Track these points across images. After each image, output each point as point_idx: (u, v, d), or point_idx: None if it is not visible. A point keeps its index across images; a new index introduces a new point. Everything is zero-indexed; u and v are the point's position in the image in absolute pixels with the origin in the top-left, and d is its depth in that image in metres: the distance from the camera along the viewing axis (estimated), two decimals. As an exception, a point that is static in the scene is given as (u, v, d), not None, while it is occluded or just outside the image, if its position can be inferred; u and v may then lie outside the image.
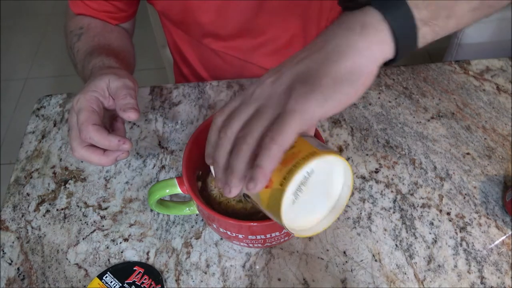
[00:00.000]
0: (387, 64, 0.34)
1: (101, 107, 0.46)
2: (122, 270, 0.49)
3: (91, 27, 0.64)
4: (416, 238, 0.51)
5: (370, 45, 0.32)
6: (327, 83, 0.31)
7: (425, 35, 0.33)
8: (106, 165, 0.47)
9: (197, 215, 0.53)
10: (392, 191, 0.55)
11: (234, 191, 0.32)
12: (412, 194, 0.54)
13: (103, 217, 0.55)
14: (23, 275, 0.50)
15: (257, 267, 0.49)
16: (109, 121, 0.50)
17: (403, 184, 0.55)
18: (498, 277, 0.47)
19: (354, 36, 0.32)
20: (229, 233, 0.43)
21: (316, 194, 0.34)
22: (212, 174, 0.50)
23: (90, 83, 0.47)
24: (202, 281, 0.48)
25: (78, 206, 0.56)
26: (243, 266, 0.49)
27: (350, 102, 0.32)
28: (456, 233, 0.51)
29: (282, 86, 0.32)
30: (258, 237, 0.43)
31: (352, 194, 0.55)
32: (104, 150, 0.45)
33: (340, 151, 0.59)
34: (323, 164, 0.32)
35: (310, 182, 0.32)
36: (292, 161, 0.31)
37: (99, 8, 0.65)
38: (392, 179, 0.56)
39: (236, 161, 0.32)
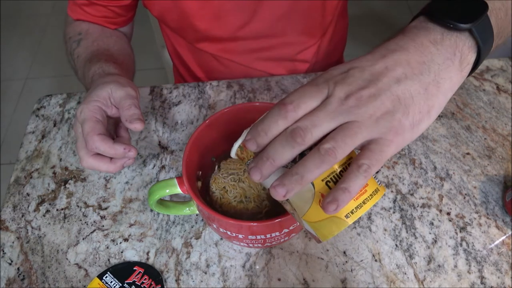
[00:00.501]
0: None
1: (104, 116, 0.47)
2: (122, 270, 0.49)
3: (89, 33, 0.64)
4: (416, 238, 0.51)
5: (462, 79, 0.32)
6: (424, 117, 0.31)
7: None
8: (114, 172, 0.48)
9: (197, 215, 0.53)
10: (392, 191, 0.55)
11: (289, 196, 0.30)
12: (412, 194, 0.54)
13: (103, 217, 0.55)
14: (23, 275, 0.50)
15: (257, 267, 0.49)
16: (113, 127, 0.51)
17: (403, 184, 0.55)
18: (498, 277, 0.47)
19: (455, 72, 0.31)
20: (229, 233, 0.43)
21: None
22: (216, 172, 0.50)
23: (92, 93, 0.47)
24: (202, 281, 0.48)
25: (78, 206, 0.56)
26: (243, 266, 0.49)
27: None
28: (456, 233, 0.51)
29: (382, 110, 0.30)
30: (258, 237, 0.43)
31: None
32: (111, 158, 0.46)
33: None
34: None
35: None
36: (362, 196, 0.32)
37: (97, 13, 0.65)
38: (392, 179, 0.56)
39: (310, 172, 0.30)
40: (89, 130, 0.44)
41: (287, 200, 0.34)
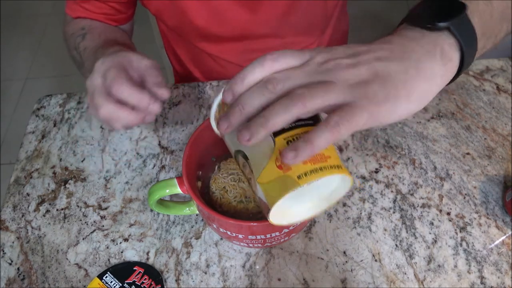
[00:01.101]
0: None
1: (126, 71, 0.44)
2: (122, 270, 0.49)
3: (93, 27, 0.64)
4: (416, 238, 0.51)
5: (446, 74, 0.33)
6: (402, 97, 0.31)
7: (480, 50, 0.35)
8: (132, 124, 0.44)
9: (197, 215, 0.53)
10: (392, 191, 0.55)
11: (253, 140, 0.30)
12: (412, 194, 0.54)
13: (103, 217, 0.55)
14: (23, 275, 0.50)
15: (257, 267, 0.49)
16: None
17: (403, 184, 0.55)
18: (498, 277, 0.47)
19: (436, 63, 0.32)
20: (229, 233, 0.43)
21: (309, 195, 0.35)
22: (216, 172, 0.50)
23: (114, 53, 0.45)
24: (202, 281, 0.48)
25: (78, 206, 0.56)
26: (243, 266, 0.49)
27: (402, 119, 0.32)
28: (456, 233, 0.51)
29: (359, 77, 0.31)
30: (258, 237, 0.43)
31: (352, 194, 0.55)
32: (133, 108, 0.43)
33: (340, 151, 0.59)
34: (336, 178, 0.33)
35: (313, 185, 0.32)
36: (320, 163, 0.31)
37: (97, 10, 0.65)
38: (392, 179, 0.56)
39: (277, 116, 0.29)
40: (115, 75, 0.42)
41: (247, 160, 0.34)
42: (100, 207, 0.55)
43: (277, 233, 0.42)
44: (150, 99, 0.42)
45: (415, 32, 0.33)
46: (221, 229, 0.43)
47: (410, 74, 0.31)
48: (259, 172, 0.32)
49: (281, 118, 0.29)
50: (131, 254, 0.51)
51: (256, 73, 0.32)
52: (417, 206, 0.53)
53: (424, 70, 0.32)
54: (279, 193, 0.31)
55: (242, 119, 0.31)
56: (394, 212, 0.53)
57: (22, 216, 0.55)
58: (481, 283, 0.47)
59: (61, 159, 0.61)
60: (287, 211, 0.35)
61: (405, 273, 0.48)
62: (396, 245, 0.50)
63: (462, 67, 0.34)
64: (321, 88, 0.30)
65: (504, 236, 0.50)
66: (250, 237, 0.43)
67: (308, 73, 0.31)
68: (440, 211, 0.53)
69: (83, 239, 0.53)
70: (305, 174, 0.30)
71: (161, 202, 0.49)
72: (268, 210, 0.32)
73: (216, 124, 0.34)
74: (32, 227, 0.54)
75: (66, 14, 0.68)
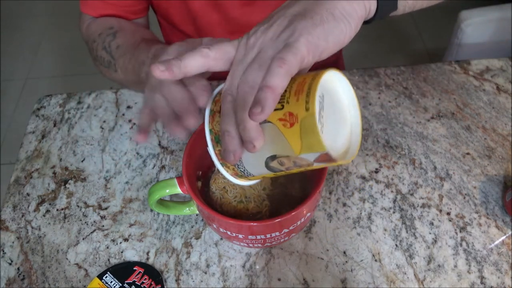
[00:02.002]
0: (366, 22, 0.36)
1: None
2: (122, 270, 0.49)
3: (122, 27, 0.62)
4: (416, 238, 0.51)
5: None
6: (327, 17, 0.32)
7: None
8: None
9: (197, 215, 0.54)
10: (392, 191, 0.55)
11: (258, 143, 0.31)
12: (412, 194, 0.54)
13: (103, 217, 0.55)
14: (23, 275, 0.50)
15: (257, 267, 0.49)
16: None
17: (403, 184, 0.55)
18: (498, 277, 0.47)
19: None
20: (229, 233, 0.43)
21: (333, 120, 0.33)
22: (216, 172, 0.50)
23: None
24: (202, 281, 0.48)
25: (78, 206, 0.56)
26: (243, 266, 0.49)
27: (345, 43, 0.33)
28: (456, 233, 0.51)
29: (281, 27, 0.32)
30: (258, 237, 0.43)
31: (352, 194, 0.55)
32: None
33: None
34: (329, 85, 0.33)
35: (325, 106, 0.32)
36: (304, 88, 0.30)
37: (117, 2, 0.63)
38: (392, 179, 0.56)
39: (245, 113, 0.30)
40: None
41: (277, 157, 0.33)
42: (100, 207, 0.55)
43: (277, 233, 0.42)
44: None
45: None
46: (221, 229, 0.43)
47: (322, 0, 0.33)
48: (290, 148, 0.32)
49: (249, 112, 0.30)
50: (131, 254, 0.51)
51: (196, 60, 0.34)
52: (417, 206, 0.53)
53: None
54: (313, 134, 0.30)
55: (236, 140, 0.33)
56: (394, 212, 0.53)
57: (22, 216, 0.55)
58: (481, 283, 0.47)
59: (61, 159, 0.61)
60: (338, 140, 0.34)
61: (405, 273, 0.48)
62: (396, 245, 0.50)
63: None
64: (257, 64, 0.32)
65: (504, 236, 0.50)
66: (250, 237, 0.43)
67: (241, 62, 0.33)
68: (440, 211, 0.53)
69: (83, 239, 0.53)
70: (307, 102, 0.30)
71: (161, 202, 0.49)
72: (326, 154, 0.31)
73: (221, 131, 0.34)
74: (32, 227, 0.54)
75: (83, 14, 0.66)
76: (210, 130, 0.36)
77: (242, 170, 0.37)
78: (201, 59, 0.33)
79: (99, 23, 0.64)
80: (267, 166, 0.34)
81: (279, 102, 0.31)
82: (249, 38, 0.33)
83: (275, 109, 0.31)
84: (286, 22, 0.32)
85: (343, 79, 0.34)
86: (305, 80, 0.31)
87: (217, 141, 0.36)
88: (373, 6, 0.34)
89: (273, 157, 0.33)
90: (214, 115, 0.36)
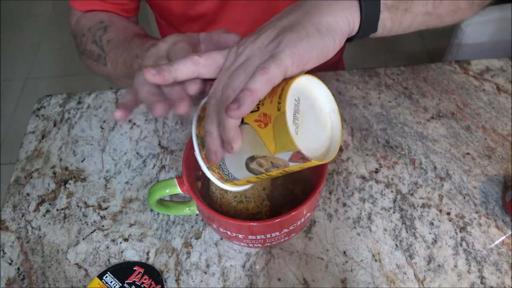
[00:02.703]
0: (348, 40, 0.38)
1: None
2: (122, 270, 0.49)
3: (114, 21, 0.61)
4: (416, 238, 0.51)
5: (343, 9, 0.35)
6: (312, 32, 0.33)
7: (385, 21, 0.37)
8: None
9: (197, 215, 0.54)
10: (392, 191, 0.55)
11: (236, 145, 0.33)
12: (412, 194, 0.54)
13: (103, 217, 0.55)
14: (23, 275, 0.50)
15: (257, 267, 0.49)
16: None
17: (403, 184, 0.55)
18: (498, 277, 0.47)
19: (330, 2, 0.35)
20: (229, 233, 0.43)
21: (311, 123, 0.35)
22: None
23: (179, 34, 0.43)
24: (202, 281, 0.48)
25: (78, 206, 0.56)
26: (243, 266, 0.49)
27: (329, 56, 0.35)
28: (456, 233, 0.51)
29: (269, 38, 0.34)
30: (258, 237, 0.43)
31: (352, 194, 0.55)
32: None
33: (340, 151, 0.59)
34: (308, 90, 0.34)
35: (302, 109, 0.33)
36: (278, 90, 0.32)
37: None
38: (392, 179, 0.56)
39: (226, 116, 0.32)
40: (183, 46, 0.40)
41: (255, 158, 0.34)
42: (100, 207, 0.56)
43: (277, 233, 0.42)
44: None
45: None
46: (221, 229, 0.43)
47: (312, 14, 0.35)
48: (265, 147, 0.33)
49: (230, 115, 0.32)
50: (131, 254, 0.51)
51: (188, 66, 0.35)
52: (417, 206, 0.53)
53: (324, 7, 0.35)
54: (284, 132, 0.31)
55: (217, 141, 0.35)
56: (394, 212, 0.53)
57: (22, 216, 0.55)
58: (481, 283, 0.47)
59: (61, 159, 0.61)
60: (317, 142, 0.35)
61: (405, 273, 0.48)
62: (396, 245, 0.50)
63: (370, 18, 0.36)
64: (242, 70, 0.33)
65: (504, 236, 0.50)
66: (250, 237, 0.43)
67: (228, 69, 0.35)
68: (440, 211, 0.53)
69: (83, 239, 0.53)
70: (279, 103, 0.32)
71: (161, 202, 0.49)
72: (298, 152, 0.32)
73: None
74: (32, 227, 0.54)
75: (72, 8, 0.65)
76: (197, 135, 0.38)
77: (226, 173, 0.38)
78: (192, 66, 0.35)
79: (88, 18, 0.63)
80: (247, 168, 0.36)
81: (256, 105, 0.33)
82: (238, 47, 0.35)
83: (252, 111, 0.33)
84: (275, 34, 0.34)
85: (321, 85, 0.35)
86: (280, 85, 0.33)
87: (203, 145, 0.37)
88: (356, 24, 0.36)
89: (252, 158, 0.35)
90: (201, 120, 0.38)
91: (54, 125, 0.65)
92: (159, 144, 0.62)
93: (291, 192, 0.50)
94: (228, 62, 0.35)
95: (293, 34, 0.33)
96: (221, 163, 0.38)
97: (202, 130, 0.37)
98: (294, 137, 0.31)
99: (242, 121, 0.34)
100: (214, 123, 0.34)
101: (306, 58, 0.33)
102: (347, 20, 0.35)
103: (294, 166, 0.34)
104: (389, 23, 0.38)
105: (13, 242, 0.53)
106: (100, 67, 0.58)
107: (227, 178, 0.39)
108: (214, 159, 0.35)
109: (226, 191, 0.47)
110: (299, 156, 0.32)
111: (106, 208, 0.55)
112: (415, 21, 0.40)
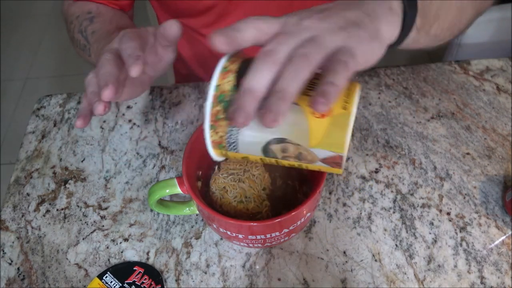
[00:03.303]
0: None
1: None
2: (122, 270, 0.49)
3: (101, 12, 0.62)
4: (416, 238, 0.51)
5: (393, 22, 0.35)
6: (376, 36, 0.33)
7: (408, 39, 0.38)
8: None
9: (197, 215, 0.54)
10: (392, 191, 0.55)
11: (280, 119, 0.29)
12: (412, 194, 0.54)
13: (103, 217, 0.55)
14: (23, 275, 0.50)
15: (257, 267, 0.49)
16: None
17: (403, 184, 0.55)
18: (498, 277, 0.47)
19: (386, 11, 0.35)
20: (229, 233, 0.43)
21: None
22: (216, 172, 0.50)
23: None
24: (202, 281, 0.48)
25: (78, 206, 0.56)
26: (243, 266, 0.49)
27: (373, 64, 0.34)
28: (456, 233, 0.51)
29: (335, 25, 0.32)
30: (258, 237, 0.43)
31: (352, 194, 0.55)
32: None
33: (340, 151, 0.59)
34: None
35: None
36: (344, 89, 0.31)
37: None
38: (392, 179, 0.56)
39: (291, 82, 0.29)
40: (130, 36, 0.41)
41: (284, 141, 0.32)
42: (100, 207, 0.56)
43: (277, 233, 0.42)
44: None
45: None
46: (221, 229, 0.43)
47: (373, 17, 0.34)
48: (307, 137, 0.31)
49: (296, 83, 0.29)
50: (131, 254, 0.51)
51: (249, 29, 0.33)
52: (417, 206, 0.53)
53: (381, 16, 0.35)
54: (342, 133, 0.30)
55: (256, 104, 0.30)
56: (394, 212, 0.53)
57: (22, 216, 0.55)
58: (481, 283, 0.47)
59: (61, 159, 0.61)
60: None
61: (405, 273, 0.48)
62: (396, 245, 0.50)
63: (406, 30, 0.37)
64: (315, 42, 0.31)
65: (504, 236, 0.50)
66: (250, 237, 0.43)
67: (293, 35, 0.32)
68: (440, 211, 0.53)
69: (83, 239, 0.53)
70: (346, 102, 0.31)
71: (161, 202, 0.49)
72: (340, 156, 0.31)
73: (225, 125, 0.33)
74: (32, 227, 0.54)
75: None
76: (217, 87, 0.33)
77: (231, 141, 0.34)
78: (255, 32, 0.33)
79: (78, 6, 0.64)
80: (264, 146, 0.33)
81: (311, 89, 0.31)
82: (302, 19, 0.33)
83: (307, 94, 0.31)
84: (343, 23, 0.33)
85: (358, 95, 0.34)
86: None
87: (219, 100, 0.33)
88: (395, 36, 0.36)
89: (281, 140, 0.32)
90: (226, 73, 0.33)
91: (54, 125, 0.65)
92: (159, 144, 0.62)
93: (291, 192, 0.50)
94: (290, 29, 0.33)
95: (364, 32, 0.32)
96: (236, 128, 0.33)
97: (226, 84, 0.33)
98: (347, 141, 0.30)
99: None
100: (263, 81, 0.30)
101: (369, 60, 0.33)
102: (393, 33, 0.35)
103: (317, 166, 0.33)
104: (411, 41, 0.39)
105: (13, 242, 0.53)
106: (87, 56, 0.59)
107: (225, 145, 0.34)
108: (240, 122, 0.30)
109: (227, 191, 0.47)
110: (336, 160, 0.31)
111: (106, 208, 0.55)
112: (424, 41, 0.41)
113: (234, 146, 0.34)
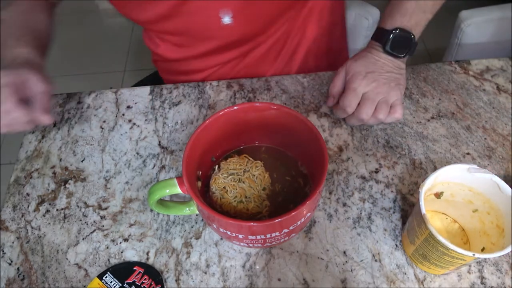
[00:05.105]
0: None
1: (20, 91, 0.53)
2: (122, 270, 0.49)
3: (20, 2, 0.64)
4: (416, 238, 0.51)
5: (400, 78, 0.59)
6: (397, 92, 0.56)
7: None
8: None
9: (197, 215, 0.53)
10: (392, 191, 0.55)
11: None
12: (412, 194, 0.54)
13: (103, 217, 0.55)
14: (23, 275, 0.50)
15: (257, 267, 0.49)
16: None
17: (403, 184, 0.55)
18: (498, 277, 0.47)
19: (401, 80, 0.58)
20: (229, 233, 0.43)
21: None
22: (216, 172, 0.50)
23: (18, 67, 0.53)
24: (202, 281, 0.48)
25: (78, 206, 0.56)
26: (243, 266, 0.49)
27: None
28: (456, 233, 0.51)
29: (380, 88, 0.55)
30: (258, 237, 0.43)
31: (352, 194, 0.55)
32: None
33: (340, 151, 0.59)
34: None
35: None
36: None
37: None
38: (392, 179, 0.56)
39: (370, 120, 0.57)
40: (6, 96, 0.51)
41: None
42: (100, 207, 0.55)
43: (277, 233, 0.42)
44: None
45: (386, 59, 0.57)
46: (221, 229, 0.43)
47: (394, 82, 0.57)
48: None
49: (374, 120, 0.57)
50: (131, 254, 0.51)
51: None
52: (417, 206, 0.53)
53: (396, 76, 0.58)
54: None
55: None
56: (394, 212, 0.53)
57: (22, 216, 0.55)
58: (481, 283, 0.47)
59: (61, 159, 0.61)
60: None
61: (405, 273, 0.48)
62: (396, 245, 0.50)
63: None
64: (383, 110, 0.55)
65: (504, 236, 0.50)
66: (250, 237, 0.43)
67: (372, 102, 0.56)
68: (440, 211, 0.53)
69: (83, 239, 0.53)
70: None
71: (161, 202, 0.49)
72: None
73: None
74: (32, 227, 0.54)
75: None
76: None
77: None
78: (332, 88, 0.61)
79: None
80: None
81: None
82: (361, 81, 0.56)
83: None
84: (386, 87, 0.55)
85: None
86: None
87: None
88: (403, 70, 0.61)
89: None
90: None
91: (54, 125, 0.65)
92: (159, 144, 0.62)
93: (292, 192, 0.50)
94: (353, 86, 0.56)
95: (398, 92, 0.56)
96: None
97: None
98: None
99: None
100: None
101: (398, 96, 0.57)
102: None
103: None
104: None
105: (13, 242, 0.53)
106: None
107: None
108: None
109: (227, 191, 0.47)
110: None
111: (106, 208, 0.55)
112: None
113: None
